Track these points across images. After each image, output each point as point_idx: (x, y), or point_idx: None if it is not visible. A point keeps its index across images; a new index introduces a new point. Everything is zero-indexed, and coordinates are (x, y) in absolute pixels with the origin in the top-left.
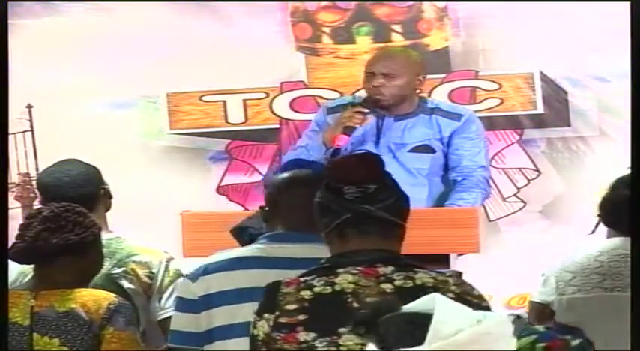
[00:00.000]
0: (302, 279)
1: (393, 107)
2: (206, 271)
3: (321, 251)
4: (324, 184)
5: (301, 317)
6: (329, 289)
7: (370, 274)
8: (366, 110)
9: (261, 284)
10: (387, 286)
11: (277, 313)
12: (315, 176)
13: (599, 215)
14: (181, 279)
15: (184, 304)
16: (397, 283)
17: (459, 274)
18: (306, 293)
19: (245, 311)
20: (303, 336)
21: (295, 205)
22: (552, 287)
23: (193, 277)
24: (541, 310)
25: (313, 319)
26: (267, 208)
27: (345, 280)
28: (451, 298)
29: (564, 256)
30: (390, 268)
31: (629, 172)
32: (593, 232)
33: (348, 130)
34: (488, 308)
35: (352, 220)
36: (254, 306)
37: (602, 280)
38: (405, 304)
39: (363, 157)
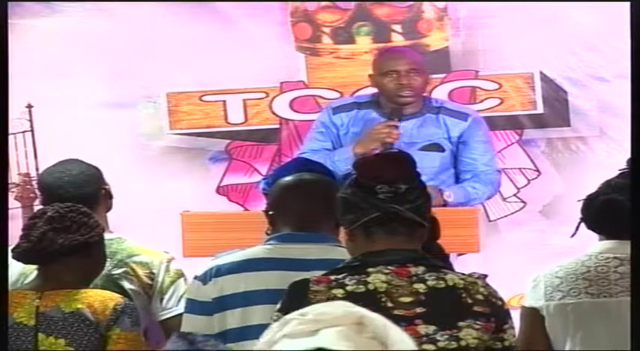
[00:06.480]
0: (332, 277)
1: (405, 106)
2: (217, 273)
3: (329, 252)
4: (353, 180)
5: None
6: (362, 288)
7: (402, 274)
8: (399, 124)
9: (272, 286)
10: (420, 287)
11: None
12: (322, 177)
13: (581, 218)
14: (192, 281)
15: (197, 307)
16: (430, 283)
17: (484, 277)
18: (338, 292)
19: (257, 313)
20: None
21: (302, 205)
22: (541, 292)
23: (204, 279)
24: (532, 315)
25: None
26: (271, 212)
27: (377, 279)
28: (479, 299)
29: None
30: (421, 269)
31: (616, 174)
32: (573, 235)
33: (388, 146)
34: (508, 312)
35: (381, 219)
36: (265, 308)
37: (589, 285)
38: (442, 304)
39: (396, 155)
